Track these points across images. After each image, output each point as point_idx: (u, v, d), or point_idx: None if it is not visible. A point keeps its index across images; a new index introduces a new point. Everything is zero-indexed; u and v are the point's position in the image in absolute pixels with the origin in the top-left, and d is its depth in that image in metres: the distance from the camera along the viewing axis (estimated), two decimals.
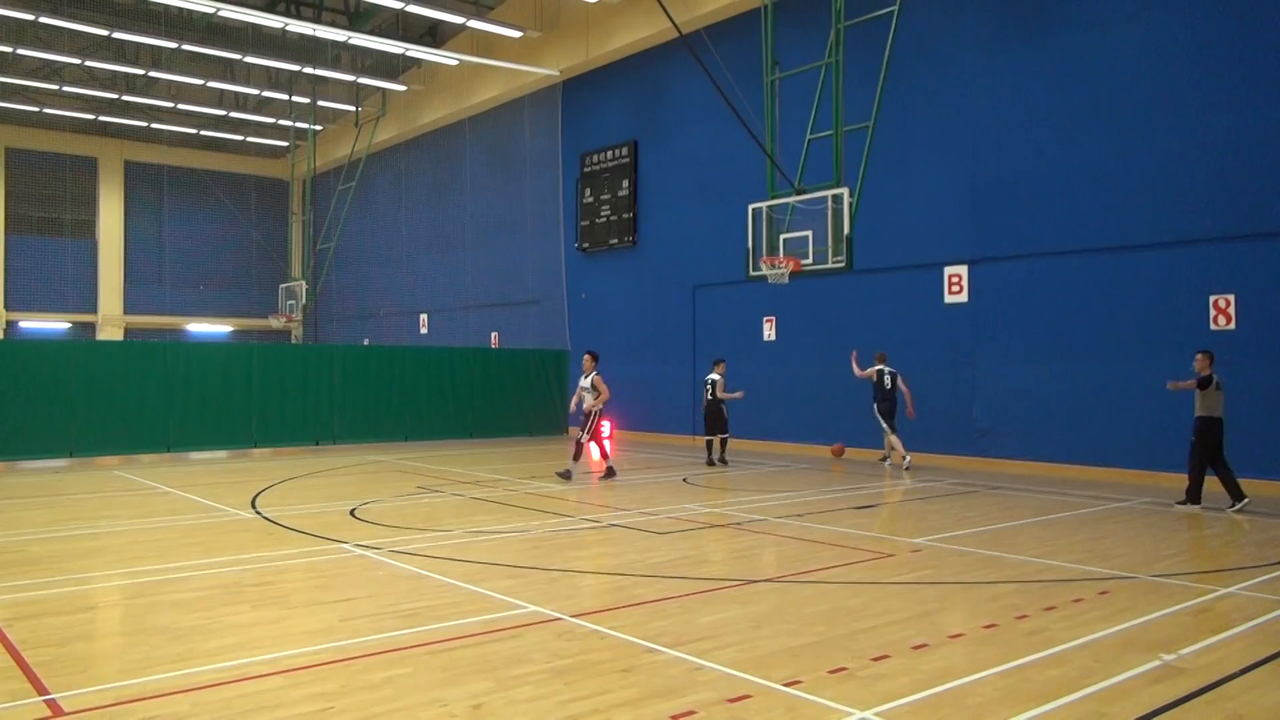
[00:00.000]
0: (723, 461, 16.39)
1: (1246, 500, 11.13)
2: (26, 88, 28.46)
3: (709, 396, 16.29)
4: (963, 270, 16.22)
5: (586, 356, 14.51)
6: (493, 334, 26.90)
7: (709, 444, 16.50)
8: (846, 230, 14.33)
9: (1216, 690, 4.94)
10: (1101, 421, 14.30)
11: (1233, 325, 13.15)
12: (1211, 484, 11.39)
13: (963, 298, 16.24)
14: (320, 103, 28.96)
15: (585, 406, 14.34)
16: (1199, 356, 11.33)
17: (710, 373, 16.56)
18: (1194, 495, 11.33)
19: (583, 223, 23.88)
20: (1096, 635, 5.92)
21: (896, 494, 12.85)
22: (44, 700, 4.80)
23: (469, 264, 28.39)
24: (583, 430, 14.35)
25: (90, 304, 34.09)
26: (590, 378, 14.23)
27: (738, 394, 16.62)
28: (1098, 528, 10.05)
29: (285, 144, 33.14)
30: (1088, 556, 8.46)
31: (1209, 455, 11.16)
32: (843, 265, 14.53)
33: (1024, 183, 15.39)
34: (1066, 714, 4.57)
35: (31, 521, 10.75)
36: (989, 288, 15.91)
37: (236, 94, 30.73)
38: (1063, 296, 14.94)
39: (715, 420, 16.35)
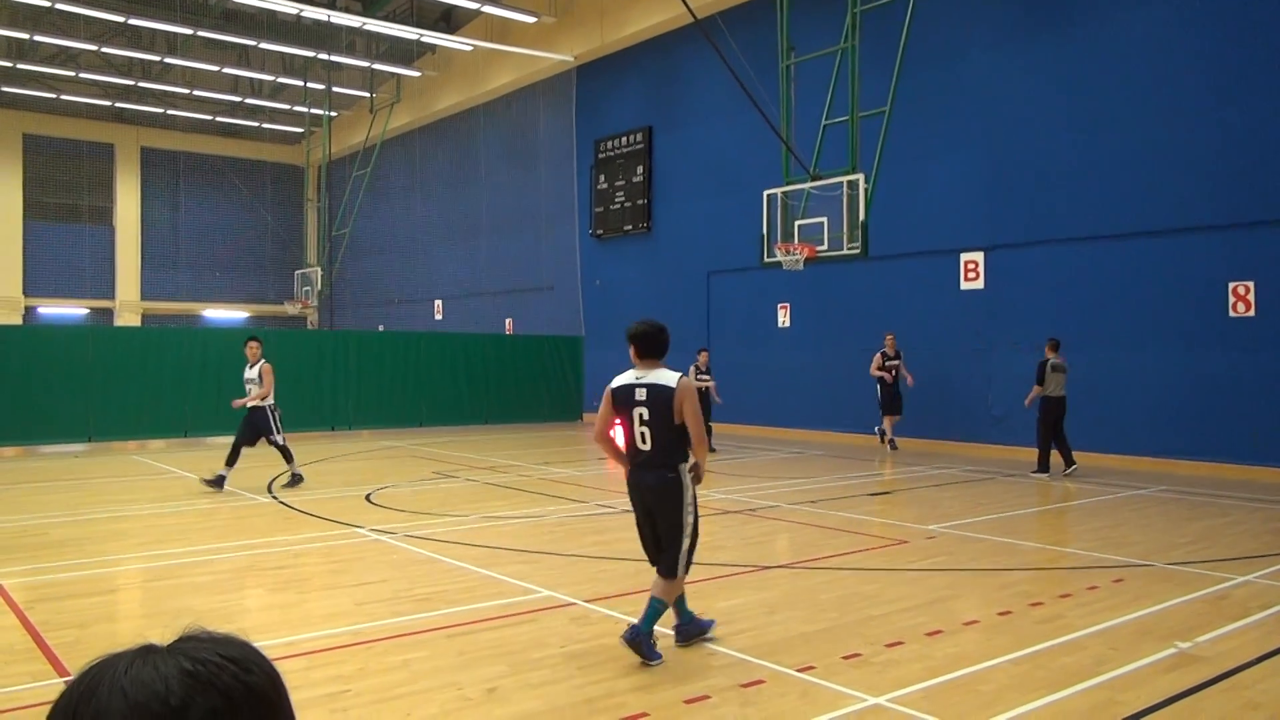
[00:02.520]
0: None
1: (1075, 466, 13.07)
2: (43, 74, 28.58)
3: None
4: (979, 256, 16.13)
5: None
6: (507, 320, 26.94)
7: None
8: (862, 216, 14.26)
9: (1232, 678, 4.93)
10: (1117, 409, 14.22)
11: (1252, 312, 13.03)
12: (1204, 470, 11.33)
13: (979, 284, 16.16)
14: (335, 89, 28.98)
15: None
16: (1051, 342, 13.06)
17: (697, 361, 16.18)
18: (1044, 465, 13.16)
19: (597, 209, 23.85)
20: (1111, 623, 5.91)
21: (910, 481, 12.82)
22: (64, 681, 4.86)
23: (483, 250, 28.41)
24: None
25: (108, 290, 34.31)
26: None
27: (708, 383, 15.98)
28: (1113, 515, 10.01)
29: (300, 130, 33.20)
30: (1103, 544, 8.43)
31: (1054, 430, 13.06)
32: (858, 251, 14.46)
33: (1041, 168, 15.27)
34: (1080, 701, 4.57)
35: (52, 505, 10.87)
36: (1005, 274, 15.82)
37: (251, 80, 30.78)
38: (1079, 283, 14.84)
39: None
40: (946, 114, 16.56)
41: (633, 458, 5.48)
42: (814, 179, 15.04)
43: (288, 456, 12.31)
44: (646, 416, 5.31)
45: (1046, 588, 6.82)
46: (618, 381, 5.48)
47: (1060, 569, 7.46)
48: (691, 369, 15.34)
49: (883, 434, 16.65)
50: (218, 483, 11.72)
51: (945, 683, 4.83)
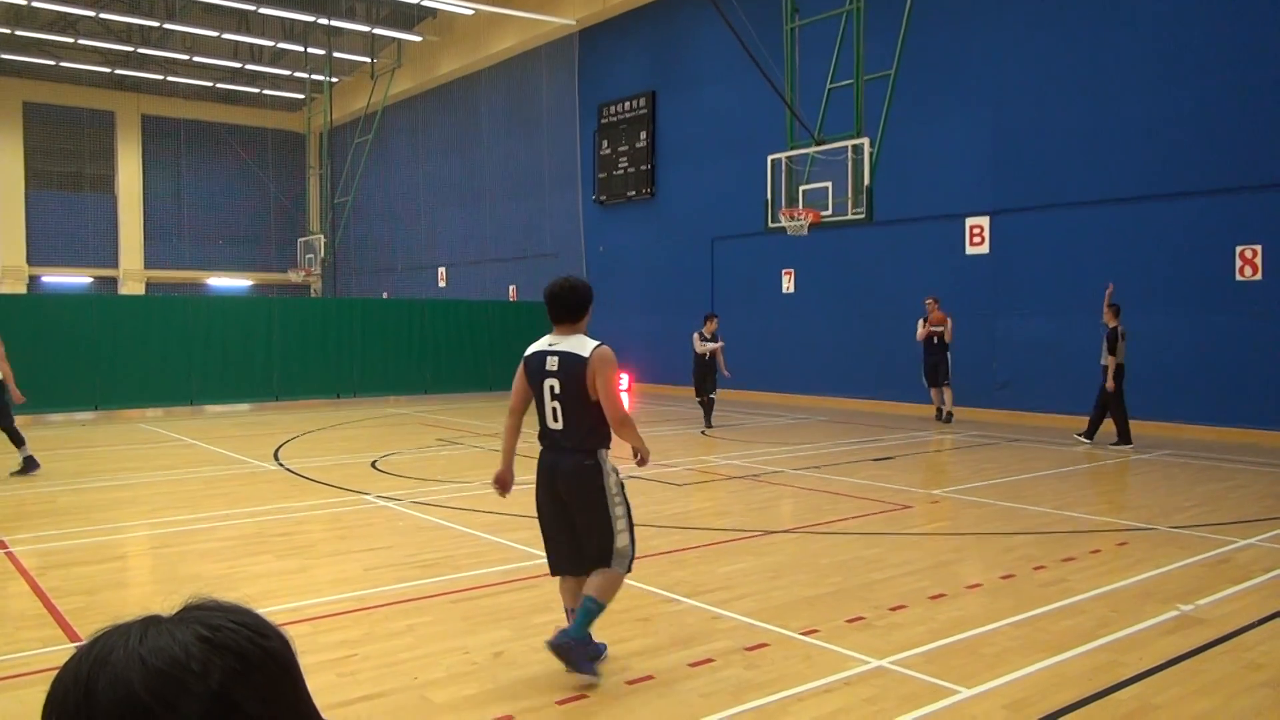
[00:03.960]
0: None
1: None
2: (42, 41, 28.36)
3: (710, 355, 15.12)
4: (984, 221, 16.02)
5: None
6: (510, 287, 26.89)
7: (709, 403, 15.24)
8: (867, 181, 14.15)
9: (1233, 640, 4.96)
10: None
11: (1259, 276, 12.95)
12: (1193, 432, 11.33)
13: (984, 249, 16.07)
14: (336, 54, 28.71)
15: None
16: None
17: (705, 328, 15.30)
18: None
19: (600, 175, 23.71)
20: (1114, 586, 5.93)
21: (915, 446, 12.84)
22: (75, 646, 4.91)
23: (487, 217, 28.30)
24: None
25: (111, 258, 34.28)
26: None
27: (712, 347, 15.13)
28: (1117, 479, 10.03)
29: (301, 97, 32.96)
30: (1106, 508, 8.45)
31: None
32: (863, 216, 14.37)
33: (1047, 132, 15.12)
34: (1082, 663, 4.60)
35: (60, 473, 10.93)
36: (1011, 239, 15.72)
37: (252, 46, 30.52)
38: (1085, 247, 14.75)
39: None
40: (952, 77, 16.38)
41: (543, 437, 4.70)
42: (818, 143, 14.91)
43: (16, 440, 10.73)
44: (557, 390, 4.51)
45: (1050, 551, 6.84)
46: (531, 348, 4.68)
47: (1064, 533, 7.49)
48: (696, 336, 15.03)
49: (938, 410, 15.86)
50: (28, 465, 10.65)
51: (948, 645, 4.86)
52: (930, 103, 16.48)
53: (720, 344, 15.17)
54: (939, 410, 15.58)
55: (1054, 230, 15.13)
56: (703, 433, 14.52)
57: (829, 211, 14.75)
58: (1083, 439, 12.77)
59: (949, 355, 15.32)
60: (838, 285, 18.38)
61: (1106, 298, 12.60)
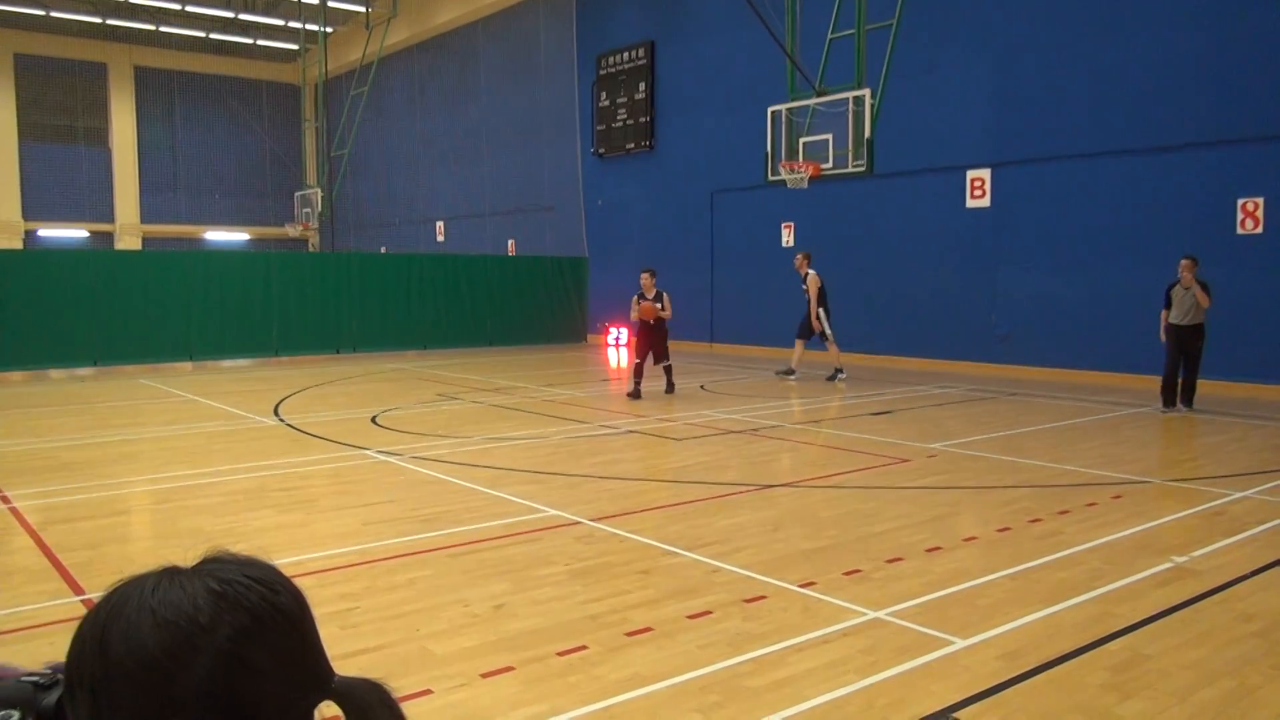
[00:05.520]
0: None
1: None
2: None
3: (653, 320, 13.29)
4: (985, 174, 15.90)
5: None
6: (509, 241, 26.77)
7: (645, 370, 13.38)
8: (867, 133, 14.02)
9: (1226, 591, 5.01)
10: (1122, 327, 14.18)
11: (1260, 229, 12.89)
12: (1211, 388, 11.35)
13: (985, 202, 15.97)
14: (330, 3, 28.26)
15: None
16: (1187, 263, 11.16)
17: (649, 289, 13.31)
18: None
19: (599, 127, 23.47)
20: (1108, 538, 5.99)
21: (913, 400, 12.87)
22: (80, 600, 4.98)
23: (484, 170, 28.07)
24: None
25: (107, 212, 34.05)
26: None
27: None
28: (1114, 433, 10.07)
29: (296, 48, 32.50)
30: (1103, 461, 8.50)
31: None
32: (863, 169, 14.26)
33: (1048, 84, 14.94)
34: (1076, 614, 4.65)
35: (62, 428, 10.97)
36: (1012, 191, 15.62)
37: None
38: (1086, 200, 14.66)
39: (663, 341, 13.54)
40: (953, 28, 16.15)
41: None
42: (819, 95, 14.74)
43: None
44: None
45: (1046, 504, 6.89)
46: None
47: (1060, 486, 7.54)
48: (634, 298, 13.34)
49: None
50: None
51: (944, 596, 4.92)
52: (931, 54, 16.27)
53: (658, 306, 13.13)
54: (790, 369, 15.19)
55: (1055, 183, 15.02)
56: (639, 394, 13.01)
57: (829, 164, 14.63)
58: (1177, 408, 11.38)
59: (817, 311, 15.01)
60: (838, 238, 18.29)
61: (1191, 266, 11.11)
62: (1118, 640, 4.33)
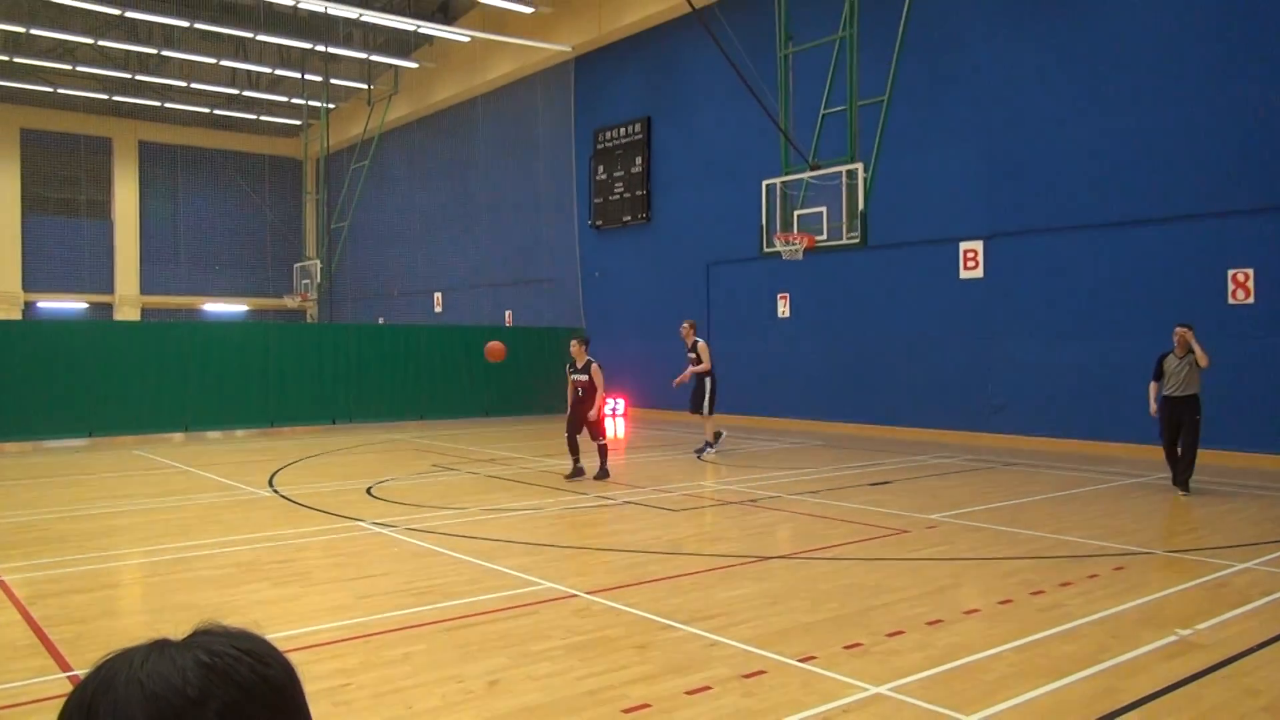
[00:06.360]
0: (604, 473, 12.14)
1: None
2: (40, 67, 28.49)
3: (582, 390, 12.18)
4: (978, 245, 16.10)
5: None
6: (507, 312, 26.92)
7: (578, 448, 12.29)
8: (861, 206, 14.23)
9: (1232, 665, 4.94)
10: (1118, 396, 14.21)
11: (1251, 299, 13.02)
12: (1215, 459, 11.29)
13: (978, 273, 16.14)
14: (333, 80, 28.89)
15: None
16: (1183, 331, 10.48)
17: (579, 357, 12.20)
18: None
19: (596, 200, 23.81)
20: (1112, 610, 5.92)
21: (912, 471, 12.83)
22: (67, 676, 4.88)
23: (483, 242, 28.37)
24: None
25: (107, 284, 34.27)
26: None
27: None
28: (1114, 503, 10.02)
29: (298, 122, 33.11)
30: (1103, 532, 8.44)
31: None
32: (857, 241, 14.44)
33: (1040, 156, 15.24)
34: (1082, 689, 4.58)
35: (54, 500, 10.87)
36: (1005, 263, 15.80)
37: (249, 72, 30.69)
38: (1080, 271, 14.83)
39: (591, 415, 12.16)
40: (945, 102, 16.52)
41: None
42: (813, 168, 15.01)
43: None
44: None
45: (1047, 576, 6.83)
46: None
47: (1061, 557, 7.47)
48: (566, 367, 12.50)
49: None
50: None
51: (946, 671, 4.84)
52: (923, 128, 16.61)
53: (585, 378, 12.08)
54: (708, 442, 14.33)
55: (1048, 254, 15.20)
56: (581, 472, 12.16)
57: (824, 236, 14.81)
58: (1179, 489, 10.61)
59: (706, 381, 14.42)
60: (833, 309, 18.44)
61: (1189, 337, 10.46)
62: (1125, 715, 4.25)
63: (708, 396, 14.44)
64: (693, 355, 14.60)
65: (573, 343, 12.34)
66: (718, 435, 14.57)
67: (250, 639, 0.92)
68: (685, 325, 14.89)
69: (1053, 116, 15.09)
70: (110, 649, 0.91)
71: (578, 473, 12.08)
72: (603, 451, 12.17)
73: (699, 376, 14.52)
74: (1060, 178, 15.00)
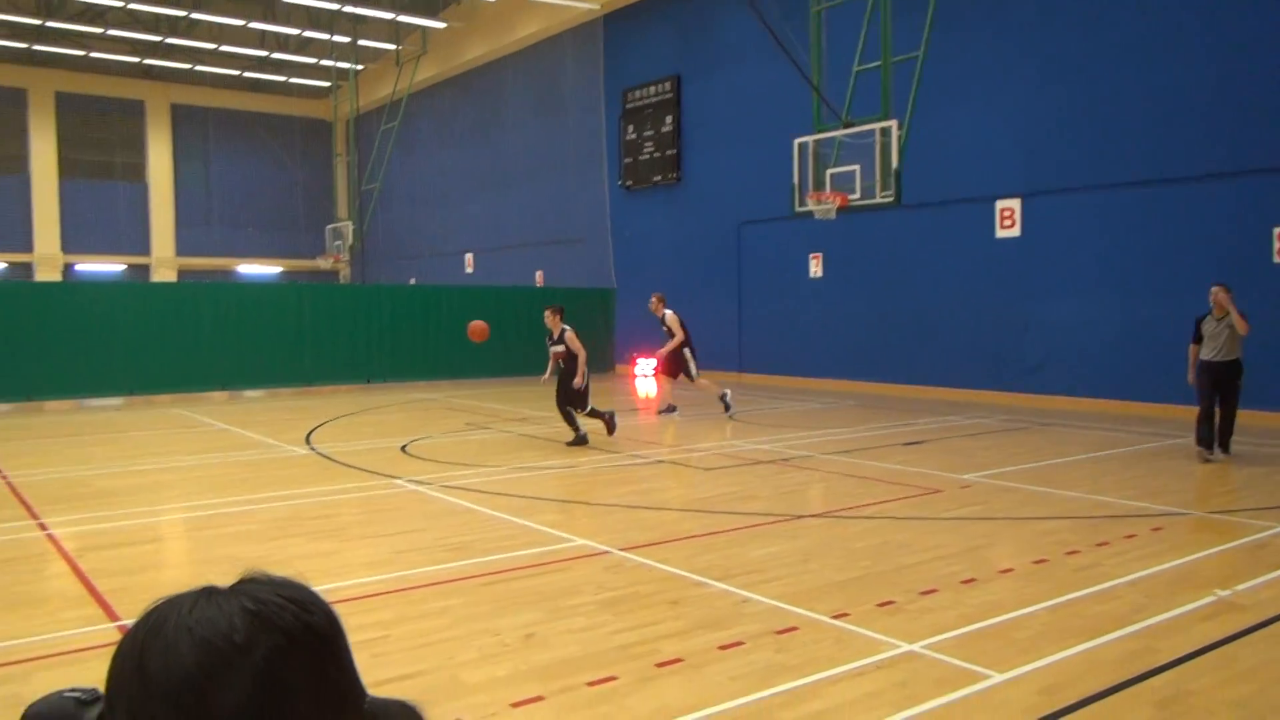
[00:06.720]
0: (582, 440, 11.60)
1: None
2: (72, 31, 28.64)
3: (563, 361, 11.81)
4: (1015, 204, 15.84)
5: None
6: (537, 273, 26.93)
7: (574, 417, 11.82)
8: (895, 164, 14.03)
9: (1272, 626, 4.89)
10: (1156, 358, 14.00)
11: None
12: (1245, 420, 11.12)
13: (1015, 231, 15.89)
14: (361, 42, 28.79)
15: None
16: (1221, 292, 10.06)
17: (554, 327, 11.89)
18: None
19: (626, 160, 23.65)
20: (1149, 571, 5.88)
21: (945, 431, 12.75)
22: (115, 626, 5.01)
23: (513, 203, 28.32)
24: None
25: (144, 246, 34.65)
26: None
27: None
28: (1152, 464, 9.91)
29: (327, 84, 33.10)
30: (1141, 493, 8.36)
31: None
32: (891, 200, 14.26)
33: (1079, 112, 14.90)
34: (1117, 649, 4.56)
35: (97, 457, 11.10)
36: (1042, 221, 15.53)
37: (277, 34, 30.67)
38: (1119, 229, 14.55)
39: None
40: (980, 57, 16.17)
41: None
42: (846, 126, 14.80)
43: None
44: None
45: (1083, 536, 6.78)
46: None
47: (1097, 518, 7.42)
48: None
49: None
50: None
51: (980, 629, 4.84)
52: (959, 84, 16.29)
53: (562, 348, 11.74)
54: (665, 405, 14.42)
55: (1086, 212, 14.93)
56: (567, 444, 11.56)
57: (857, 195, 14.64)
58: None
59: (685, 351, 14.33)
60: (866, 269, 18.26)
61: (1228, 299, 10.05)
62: (1161, 675, 4.23)
63: (690, 364, 14.29)
64: (665, 329, 14.44)
65: (546, 312, 11.81)
66: (722, 395, 14.30)
67: (295, 587, 0.94)
68: (654, 298, 14.71)
69: (1090, 72, 14.73)
70: (156, 599, 0.93)
71: (581, 439, 11.48)
72: (593, 416, 11.79)
73: (677, 349, 14.31)
74: (1099, 134, 14.67)
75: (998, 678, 4.19)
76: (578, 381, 11.52)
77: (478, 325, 12.11)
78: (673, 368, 14.51)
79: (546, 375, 12.15)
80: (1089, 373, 14.93)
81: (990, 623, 4.93)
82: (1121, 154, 14.42)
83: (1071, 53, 15.00)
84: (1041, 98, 15.40)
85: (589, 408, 11.73)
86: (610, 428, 11.96)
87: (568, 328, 11.72)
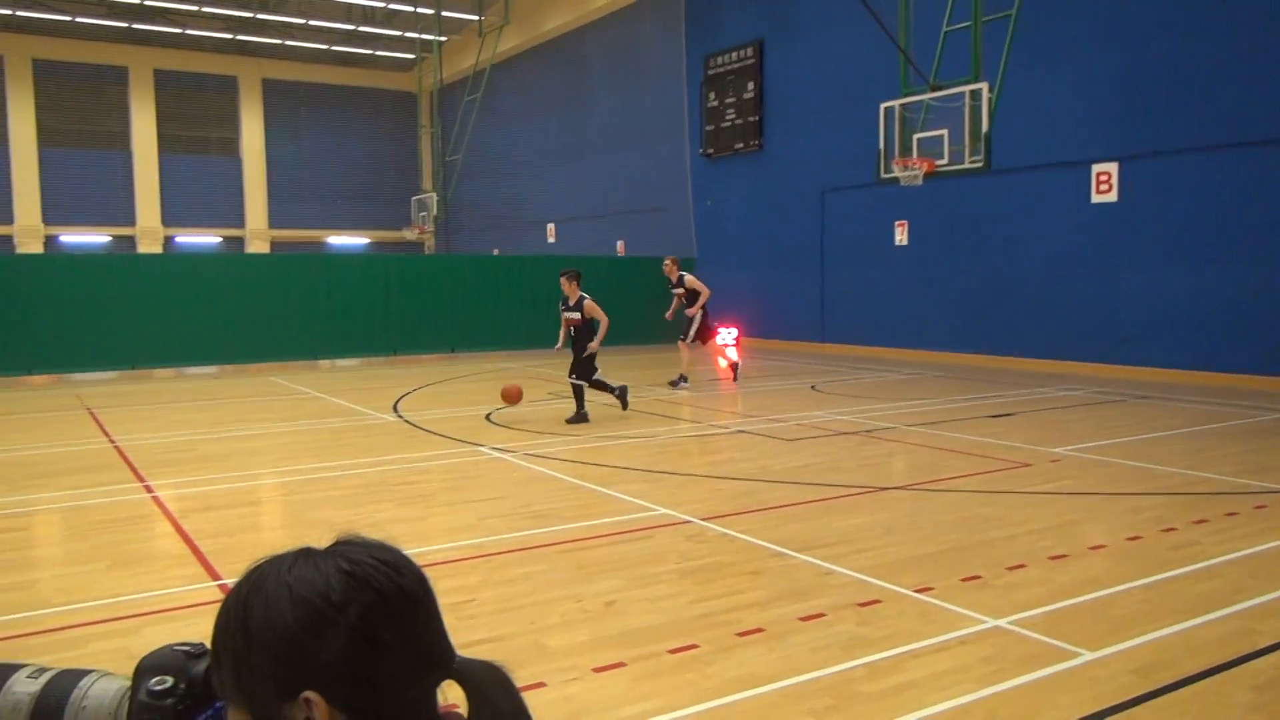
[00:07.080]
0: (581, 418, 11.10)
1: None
2: (168, 10, 29.52)
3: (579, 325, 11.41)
4: (1112, 168, 15.21)
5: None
6: (619, 242, 26.96)
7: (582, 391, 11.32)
8: (985, 127, 13.60)
9: None
10: (1261, 327, 13.37)
11: None
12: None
13: (1111, 197, 15.28)
14: (444, 13, 29.03)
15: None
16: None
17: (571, 293, 11.42)
18: None
19: (707, 127, 23.43)
20: (1251, 550, 5.65)
21: (1034, 403, 12.41)
22: (217, 585, 5.24)
23: (594, 172, 28.36)
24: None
25: (238, 219, 35.78)
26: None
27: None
28: (1256, 440, 9.50)
29: (412, 57, 33.50)
30: (1243, 469, 8.02)
31: None
32: (980, 165, 13.84)
33: (1179, 71, 14.19)
34: (1216, 629, 4.41)
35: (197, 423, 11.57)
36: (1141, 186, 14.89)
37: (364, 7, 31.12)
38: (1224, 194, 13.86)
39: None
40: (1076, 15, 15.50)
41: None
42: (933, 89, 14.38)
43: None
44: None
45: (1181, 513, 6.55)
46: None
47: (1196, 494, 7.15)
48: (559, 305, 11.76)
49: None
50: None
51: (1070, 606, 4.72)
52: (1053, 43, 15.66)
53: (577, 315, 11.33)
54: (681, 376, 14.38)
55: (1188, 176, 14.26)
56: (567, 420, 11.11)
57: (944, 160, 14.26)
58: None
59: (698, 316, 14.62)
60: (953, 237, 17.80)
61: None
62: (1263, 658, 4.08)
63: (695, 326, 14.59)
64: (679, 290, 14.79)
65: (562, 278, 11.31)
66: (683, 377, 14.41)
67: (387, 550, 0.99)
68: (667, 262, 15.15)
69: (1191, 29, 13.98)
70: (254, 560, 0.98)
71: (581, 417, 10.96)
72: (599, 388, 11.39)
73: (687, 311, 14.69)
74: (1202, 94, 13.95)
75: (1088, 656, 4.09)
76: (593, 346, 11.14)
77: (511, 389, 11.95)
78: (704, 332, 14.77)
79: (558, 345, 11.85)
80: (1190, 344, 14.33)
81: (1081, 600, 4.81)
82: (1228, 114, 13.70)
83: (1171, 8, 14.28)
84: (1142, 55, 14.72)
85: (594, 378, 11.26)
86: (623, 403, 11.67)
87: (586, 295, 11.34)
